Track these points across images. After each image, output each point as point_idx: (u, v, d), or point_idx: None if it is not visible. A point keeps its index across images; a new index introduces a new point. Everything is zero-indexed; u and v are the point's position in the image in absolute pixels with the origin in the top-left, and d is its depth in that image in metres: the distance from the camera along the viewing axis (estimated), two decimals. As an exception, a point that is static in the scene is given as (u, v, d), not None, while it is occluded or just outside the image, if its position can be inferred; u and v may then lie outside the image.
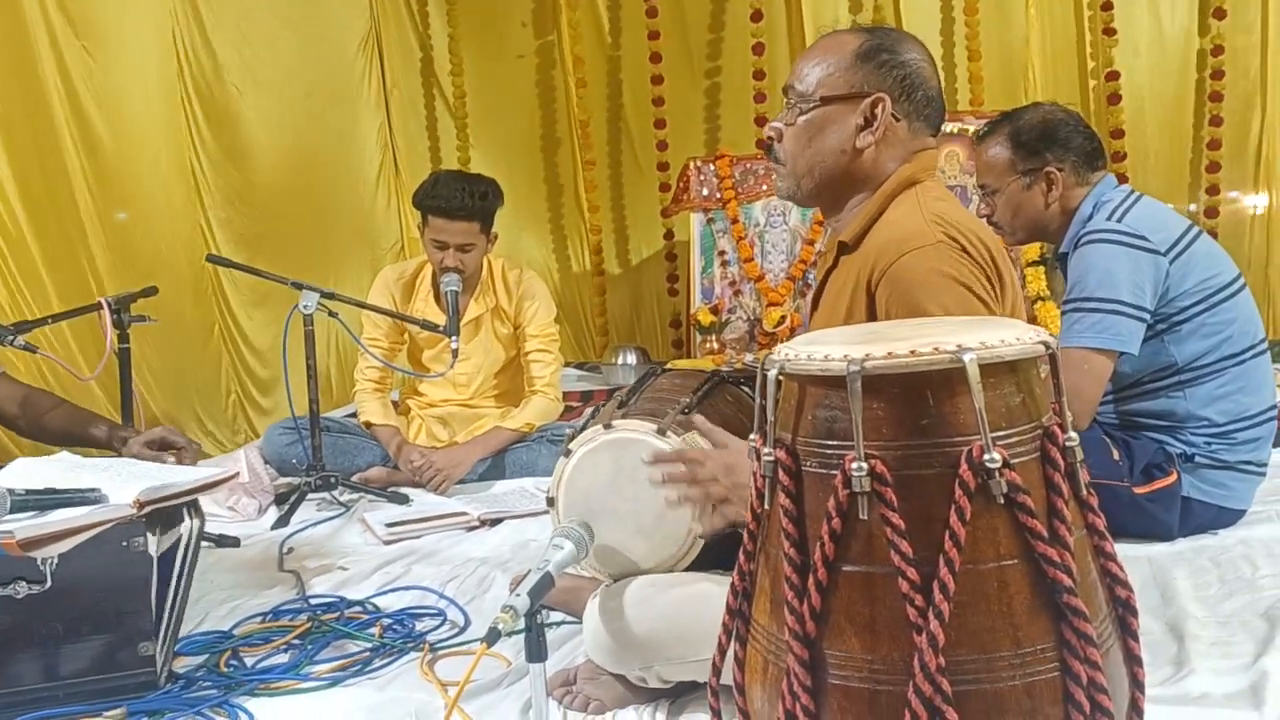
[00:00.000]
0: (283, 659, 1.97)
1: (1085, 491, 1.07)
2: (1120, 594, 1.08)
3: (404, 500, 3.06)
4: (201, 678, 1.87)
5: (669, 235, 5.43)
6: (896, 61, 1.66)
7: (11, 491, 1.74)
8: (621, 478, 1.69)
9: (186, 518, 1.96)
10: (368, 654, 1.96)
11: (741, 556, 1.15)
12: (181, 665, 1.93)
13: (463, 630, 2.09)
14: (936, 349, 1.00)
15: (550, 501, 1.77)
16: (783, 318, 4.74)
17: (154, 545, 1.80)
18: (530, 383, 3.44)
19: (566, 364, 4.41)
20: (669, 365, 4.24)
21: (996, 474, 0.99)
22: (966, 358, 0.99)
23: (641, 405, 1.85)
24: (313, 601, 2.26)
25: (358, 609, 2.20)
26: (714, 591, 1.58)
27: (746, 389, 2.01)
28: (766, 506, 1.10)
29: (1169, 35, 4.87)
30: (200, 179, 4.34)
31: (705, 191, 4.83)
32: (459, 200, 3.21)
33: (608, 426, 1.73)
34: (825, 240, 4.65)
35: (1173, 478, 2.35)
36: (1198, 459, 2.35)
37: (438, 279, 3.33)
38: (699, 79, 5.41)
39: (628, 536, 1.69)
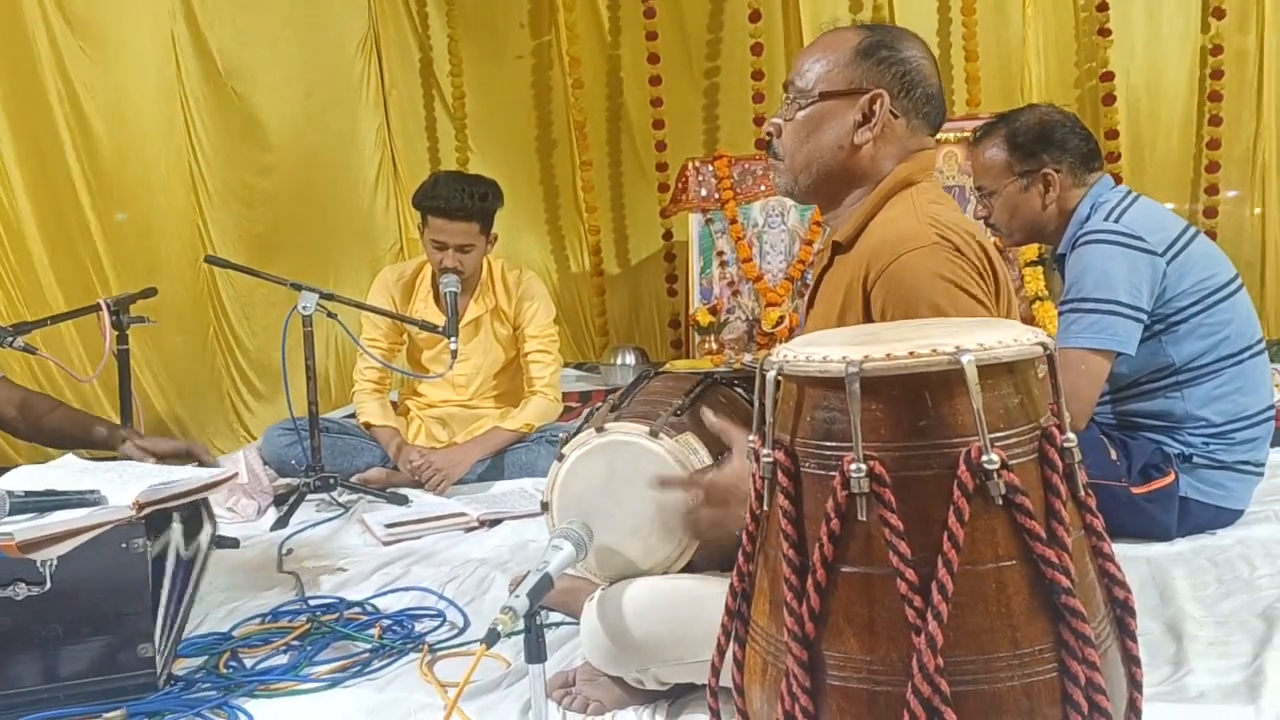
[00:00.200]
0: (282, 660, 1.97)
1: (1083, 492, 1.07)
2: (1118, 594, 1.08)
3: (403, 501, 3.07)
4: (201, 679, 1.88)
5: (668, 236, 5.44)
6: (896, 58, 1.66)
7: (11, 493, 1.74)
8: (615, 480, 1.69)
9: (172, 519, 1.96)
10: (367, 655, 1.96)
11: (740, 558, 1.15)
12: (181, 667, 1.93)
13: (462, 631, 2.10)
14: (935, 350, 1.00)
15: (544, 505, 1.77)
16: (781, 318, 4.74)
17: (158, 547, 1.81)
18: (529, 383, 3.45)
19: (565, 364, 4.42)
20: (667, 366, 4.25)
21: (995, 475, 0.99)
22: (964, 359, 0.99)
23: (634, 408, 1.85)
24: (312, 602, 2.26)
25: (357, 610, 2.20)
26: (711, 593, 1.58)
27: (740, 390, 2.01)
28: (765, 508, 1.11)
29: (1167, 35, 4.87)
30: (198, 180, 4.33)
31: (704, 192, 4.83)
32: (458, 201, 3.22)
33: (600, 430, 1.73)
34: (822, 240, 4.66)
35: (1170, 478, 2.35)
36: (1195, 459, 2.35)
37: (437, 280, 3.34)
38: (697, 79, 5.41)
39: (623, 538, 1.69)
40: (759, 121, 5.17)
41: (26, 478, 1.94)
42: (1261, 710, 1.58)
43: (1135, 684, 1.09)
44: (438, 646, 2.01)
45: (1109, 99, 4.83)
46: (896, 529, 1.00)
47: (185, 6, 4.28)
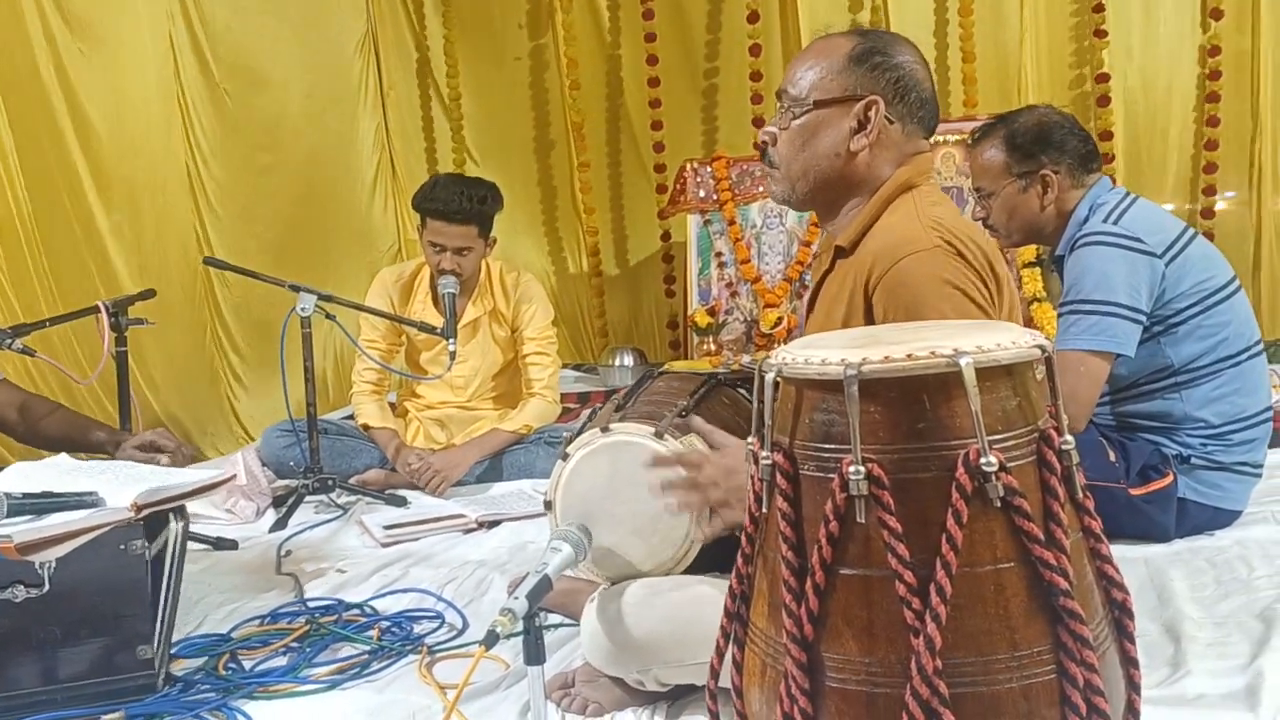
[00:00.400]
0: (281, 662, 1.97)
1: (1081, 494, 1.07)
2: (1116, 596, 1.09)
3: (402, 502, 3.07)
4: (200, 680, 1.88)
5: (666, 237, 5.44)
6: (890, 64, 1.66)
7: (9, 495, 1.74)
8: (619, 481, 1.69)
9: (172, 520, 1.96)
10: (366, 657, 1.97)
11: (739, 560, 1.16)
12: (180, 668, 1.93)
13: (461, 633, 2.10)
14: (933, 353, 1.00)
15: (548, 505, 1.77)
16: (779, 319, 4.74)
17: (157, 548, 1.81)
18: (528, 385, 3.45)
19: (564, 366, 4.42)
20: (666, 367, 4.25)
21: (993, 477, 0.99)
22: (963, 361, 0.99)
23: (639, 408, 1.86)
24: (311, 604, 2.26)
25: (356, 611, 2.20)
26: (711, 594, 1.58)
27: (743, 391, 2.01)
28: (764, 510, 1.11)
29: (1165, 36, 4.88)
30: (196, 181, 4.33)
31: (702, 193, 4.83)
32: (457, 203, 3.22)
33: (605, 430, 1.74)
34: (820, 242, 4.66)
35: (1169, 479, 2.35)
36: (1194, 460, 2.36)
37: (435, 281, 3.34)
38: (696, 80, 5.41)
39: (625, 539, 1.70)
40: (758, 123, 5.18)
41: (19, 476, 1.94)
42: (1260, 712, 1.58)
43: (1133, 686, 1.09)
44: (436, 648, 2.01)
45: (1104, 100, 4.84)
46: (895, 531, 1.00)
47: (183, 7, 4.28)
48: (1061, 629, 1.00)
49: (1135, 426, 2.43)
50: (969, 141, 2.62)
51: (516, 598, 1.42)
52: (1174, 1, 4.84)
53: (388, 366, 3.43)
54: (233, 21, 4.49)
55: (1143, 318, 2.29)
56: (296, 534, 2.83)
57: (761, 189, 4.74)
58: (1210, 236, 4.56)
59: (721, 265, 4.85)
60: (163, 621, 1.86)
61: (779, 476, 1.08)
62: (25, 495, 1.76)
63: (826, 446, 1.05)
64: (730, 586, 1.16)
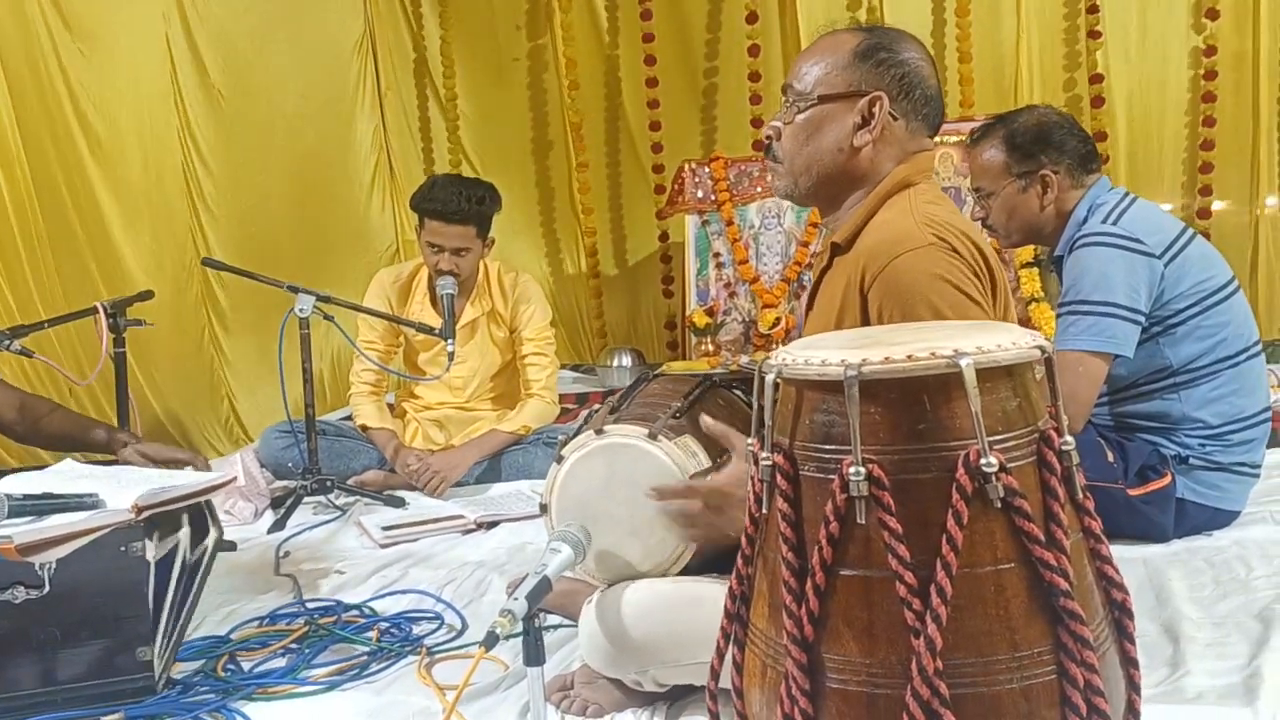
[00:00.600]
0: (280, 663, 1.97)
1: (1081, 495, 1.07)
2: (1116, 597, 1.09)
3: (400, 503, 3.06)
4: (199, 682, 1.88)
5: (664, 237, 5.44)
6: (895, 60, 1.66)
7: (9, 496, 1.74)
8: (615, 482, 1.69)
9: (184, 523, 1.97)
10: (365, 658, 1.96)
11: (739, 560, 1.16)
12: (179, 670, 1.93)
13: (460, 634, 2.10)
14: (933, 354, 1.00)
15: (543, 508, 1.77)
16: (778, 319, 4.74)
17: (151, 550, 1.81)
18: (526, 386, 3.45)
19: (562, 366, 4.42)
20: (664, 368, 4.25)
21: (993, 478, 0.99)
22: (963, 362, 0.99)
23: (633, 410, 1.86)
24: (310, 605, 2.26)
25: (355, 613, 2.20)
26: (710, 595, 1.58)
27: (738, 392, 2.01)
28: (764, 511, 1.11)
29: (1160, 37, 4.88)
30: (193, 182, 4.33)
31: (700, 194, 4.84)
32: (456, 204, 3.22)
33: (600, 432, 1.73)
34: (820, 241, 4.66)
35: (1167, 479, 2.36)
36: (1192, 461, 2.36)
37: (434, 282, 3.34)
38: (695, 81, 5.41)
39: (622, 540, 1.70)
40: (756, 123, 5.18)
41: (24, 483, 1.93)
42: (1259, 711, 1.58)
43: (1133, 686, 1.09)
44: (436, 649, 2.01)
45: (1099, 101, 4.85)
46: (895, 532, 1.00)
47: (180, 9, 4.28)
48: (1062, 630, 1.00)
49: (1134, 427, 2.43)
50: (967, 141, 2.62)
51: (516, 599, 1.42)
52: (1169, 2, 4.85)
53: (386, 367, 3.43)
54: (228, 22, 4.48)
55: (1141, 318, 2.30)
56: (295, 535, 2.83)
57: (760, 189, 4.74)
58: (1207, 237, 4.55)
59: (719, 266, 4.85)
60: (168, 624, 1.86)
61: (779, 477, 1.08)
62: (26, 496, 1.76)
63: (827, 447, 1.05)
64: (730, 587, 1.16)
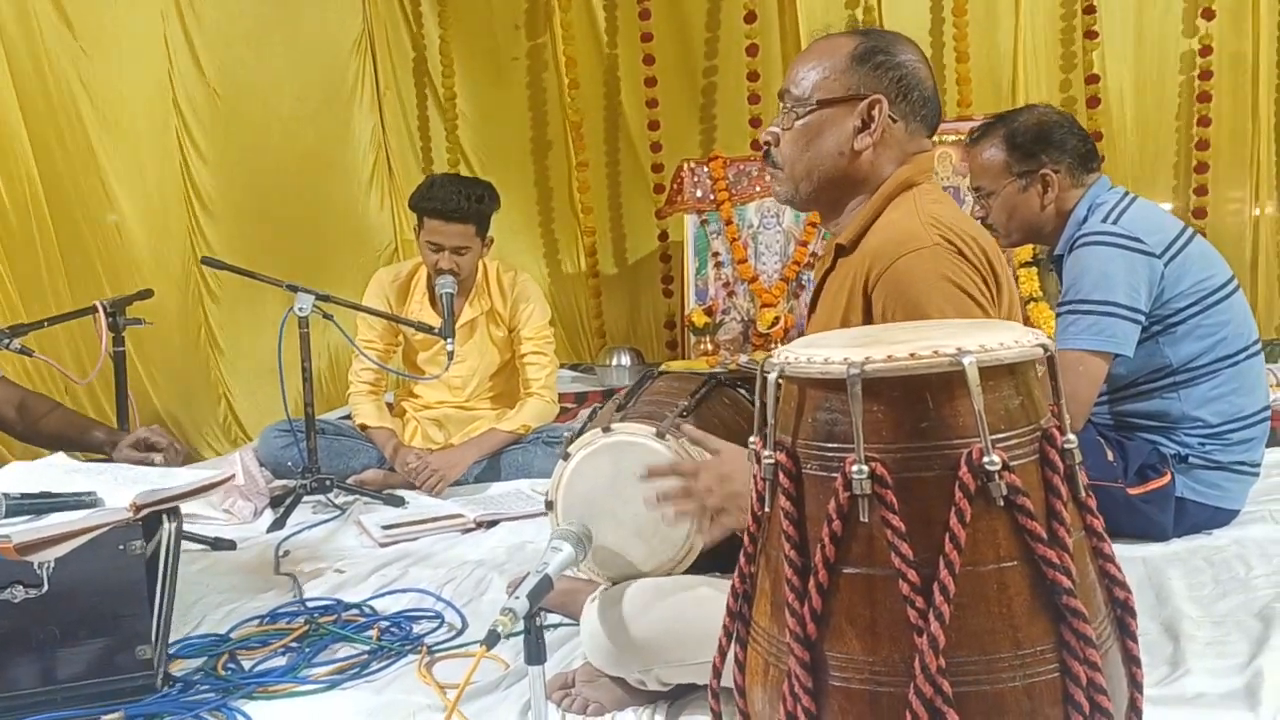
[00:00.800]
0: (280, 662, 1.97)
1: (1084, 493, 1.07)
2: (1118, 595, 1.09)
3: (400, 502, 3.06)
4: (199, 681, 1.87)
5: (663, 236, 5.44)
6: (892, 63, 1.66)
7: (7, 495, 1.74)
8: (620, 481, 1.69)
9: (165, 520, 1.96)
10: (365, 657, 1.96)
11: (742, 559, 1.15)
12: (179, 668, 1.92)
13: (460, 633, 2.10)
14: (936, 352, 1.00)
15: (549, 505, 1.77)
16: (776, 319, 4.75)
17: (151, 548, 1.80)
18: (526, 385, 3.45)
19: (561, 366, 4.42)
20: (664, 367, 4.25)
21: (996, 476, 0.99)
22: (966, 360, 0.99)
23: (639, 408, 1.86)
24: (310, 604, 2.25)
25: (355, 611, 2.20)
26: (712, 594, 1.59)
27: (743, 391, 2.01)
28: (767, 509, 1.11)
29: (1155, 37, 4.89)
30: (190, 181, 4.32)
31: (699, 193, 4.84)
32: (455, 203, 3.22)
33: (606, 430, 1.73)
34: (820, 242, 4.67)
35: (1167, 478, 2.36)
36: (1192, 460, 2.36)
37: (432, 281, 3.34)
38: (694, 80, 5.41)
39: (626, 539, 1.70)
40: (755, 123, 5.18)
41: (18, 476, 1.93)
42: (1259, 711, 1.58)
43: (1136, 684, 1.09)
44: (436, 648, 2.01)
45: (1095, 101, 4.86)
46: (898, 530, 1.00)
47: (178, 8, 4.27)
48: (1064, 628, 1.00)
49: (1133, 426, 2.43)
50: (967, 141, 2.62)
51: (517, 597, 1.42)
52: (1165, 2, 4.86)
53: (385, 366, 3.43)
54: (225, 22, 4.48)
55: (1141, 317, 2.30)
56: (294, 534, 2.82)
57: (759, 188, 4.74)
58: (1204, 236, 4.56)
59: (718, 265, 4.85)
60: (159, 621, 1.85)
61: (782, 475, 1.08)
62: (24, 495, 1.76)
63: (829, 445, 1.05)
64: (733, 586, 1.16)
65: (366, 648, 2.00)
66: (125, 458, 2.40)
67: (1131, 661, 1.09)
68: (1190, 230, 2.43)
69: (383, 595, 2.31)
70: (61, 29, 3.73)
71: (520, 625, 1.43)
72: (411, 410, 3.56)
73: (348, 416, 3.56)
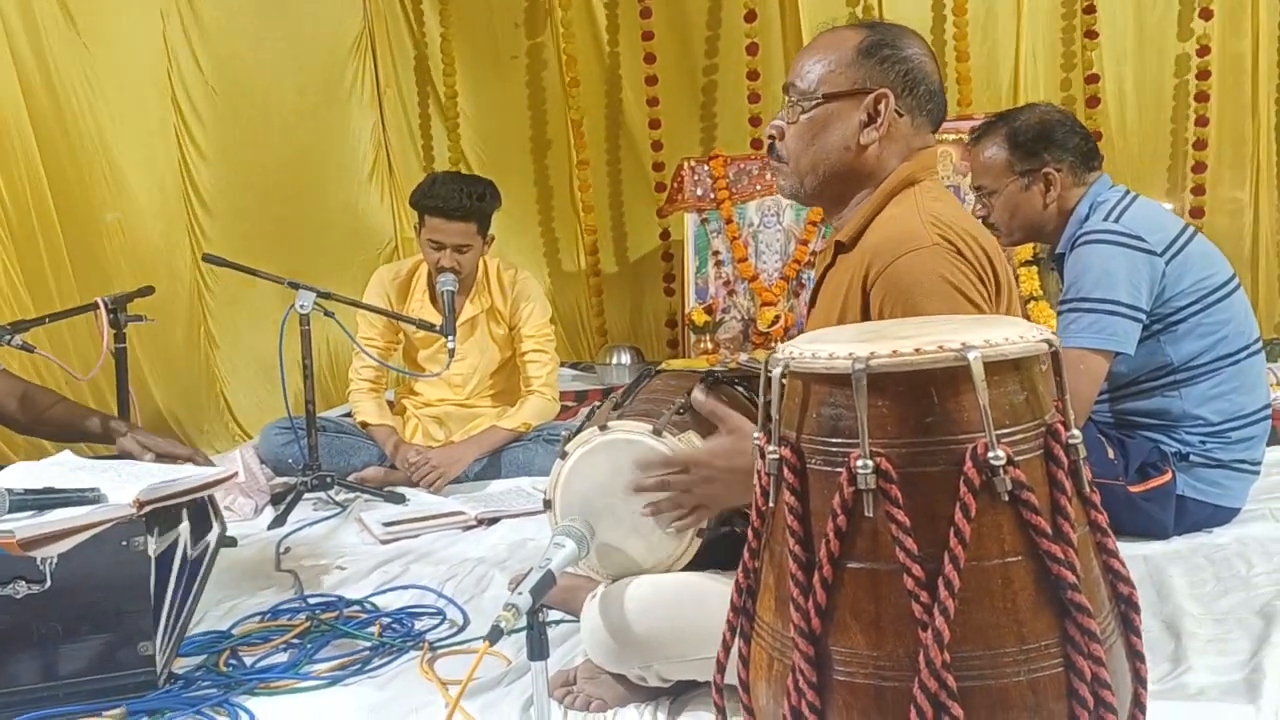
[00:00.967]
0: (282, 658, 1.97)
1: (1088, 488, 1.07)
2: (1122, 590, 1.09)
3: (400, 500, 3.06)
4: (201, 677, 1.87)
5: (665, 235, 5.44)
6: (899, 57, 1.65)
7: (11, 491, 1.73)
8: (618, 479, 1.69)
9: (184, 518, 1.96)
10: (367, 653, 1.96)
11: (746, 554, 1.16)
12: (180, 665, 1.92)
13: (462, 629, 2.10)
14: (941, 347, 1.01)
15: (547, 503, 1.77)
16: (777, 317, 4.75)
17: (153, 545, 1.80)
18: (527, 383, 3.45)
19: (561, 364, 4.42)
20: (663, 365, 4.24)
21: (1001, 471, 0.99)
22: (971, 356, 0.99)
23: (637, 406, 1.85)
24: (311, 601, 2.26)
25: (356, 608, 2.20)
26: (713, 590, 1.59)
27: (741, 389, 2.01)
28: (771, 504, 1.11)
29: (1155, 37, 4.89)
30: (189, 178, 4.32)
31: (699, 192, 4.83)
32: (456, 201, 3.22)
33: (603, 428, 1.73)
34: (820, 239, 4.67)
35: (1168, 476, 2.36)
36: (1192, 458, 2.36)
37: (433, 279, 3.34)
38: (695, 79, 5.41)
39: (625, 537, 1.70)
40: (755, 122, 5.18)
41: (23, 474, 1.93)
42: (1261, 708, 1.58)
43: (1140, 679, 1.09)
44: (438, 644, 2.01)
45: (1094, 101, 4.86)
46: (903, 525, 1.00)
47: (176, 6, 4.27)
48: (1069, 623, 1.00)
49: (1134, 424, 2.43)
50: (968, 140, 2.62)
51: (520, 593, 1.42)
52: (1164, 3, 4.86)
53: (386, 364, 3.43)
54: (224, 20, 4.47)
55: (1143, 316, 2.30)
56: (295, 531, 2.82)
57: (759, 187, 4.74)
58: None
59: (719, 264, 4.85)
60: (170, 619, 1.85)
61: (786, 471, 1.08)
62: (27, 491, 1.75)
63: (834, 441, 1.05)
64: (737, 581, 1.16)
65: (368, 644, 2.00)
66: (130, 449, 2.38)
67: (1135, 657, 1.09)
68: (1191, 229, 2.43)
69: (384, 592, 2.31)
70: (65, 25, 3.73)
71: (523, 621, 1.43)
72: (412, 408, 3.56)
73: (348, 414, 3.56)
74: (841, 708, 1.03)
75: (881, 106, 1.64)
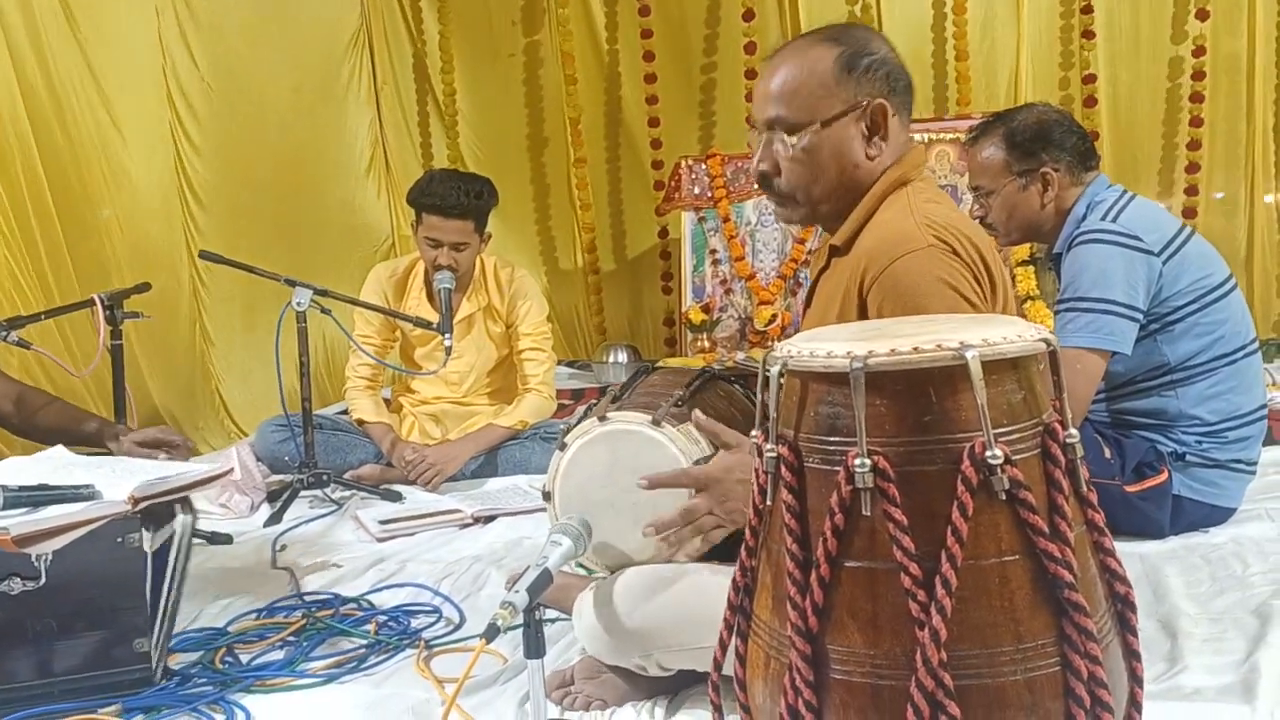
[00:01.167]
0: (278, 656, 1.96)
1: (1085, 488, 1.07)
2: (1119, 590, 1.09)
3: (397, 497, 3.06)
4: (197, 674, 1.87)
5: (663, 233, 5.44)
6: (877, 61, 1.63)
7: (5, 488, 1.73)
8: (617, 469, 1.69)
9: (179, 514, 1.96)
10: (363, 651, 1.96)
11: (743, 552, 1.16)
12: (176, 662, 1.92)
13: (458, 627, 2.09)
14: (939, 346, 1.00)
15: (546, 495, 1.77)
16: (774, 316, 4.75)
17: (148, 541, 1.80)
18: (524, 380, 3.44)
19: (558, 362, 4.42)
20: (660, 363, 4.24)
21: (998, 470, 0.99)
22: (969, 354, 0.99)
23: (636, 399, 1.86)
24: (307, 598, 2.25)
25: (352, 606, 2.20)
26: (711, 579, 1.59)
27: (738, 385, 2.02)
28: (769, 503, 1.11)
29: (1151, 38, 4.90)
30: (184, 175, 4.31)
31: (697, 190, 4.84)
32: (454, 199, 3.21)
33: (602, 419, 1.74)
34: (817, 239, 4.67)
35: (1164, 476, 2.36)
36: (1189, 457, 2.36)
37: (430, 277, 3.33)
38: (693, 77, 5.42)
39: (625, 528, 1.70)
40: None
41: (17, 470, 1.93)
42: (1256, 708, 1.59)
43: (1136, 679, 1.09)
44: (434, 642, 2.01)
45: (1091, 101, 4.87)
46: (900, 524, 1.00)
47: (172, 2, 4.26)
48: (1066, 621, 1.00)
49: (1131, 424, 2.43)
50: (965, 140, 2.62)
51: (517, 591, 1.42)
52: (1160, 3, 4.87)
53: (383, 361, 3.42)
54: (220, 16, 4.46)
55: (1139, 315, 2.30)
56: (291, 529, 2.82)
57: (756, 186, 4.74)
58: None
59: (716, 262, 4.86)
60: (163, 616, 1.85)
61: (784, 469, 1.08)
62: (22, 488, 1.75)
63: (832, 439, 1.05)
64: (734, 579, 1.16)
65: (364, 642, 2.00)
66: (129, 452, 2.40)
67: (1131, 656, 1.09)
68: (1189, 229, 2.43)
69: (380, 589, 2.31)
70: (63, 21, 3.72)
71: (519, 619, 1.43)
72: (409, 405, 3.56)
73: (345, 411, 3.56)
74: (838, 706, 1.03)
75: (880, 117, 1.63)
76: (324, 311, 3.03)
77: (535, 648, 1.44)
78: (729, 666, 1.19)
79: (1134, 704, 1.09)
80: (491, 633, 1.38)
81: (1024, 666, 0.99)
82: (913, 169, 1.67)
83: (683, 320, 4.90)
